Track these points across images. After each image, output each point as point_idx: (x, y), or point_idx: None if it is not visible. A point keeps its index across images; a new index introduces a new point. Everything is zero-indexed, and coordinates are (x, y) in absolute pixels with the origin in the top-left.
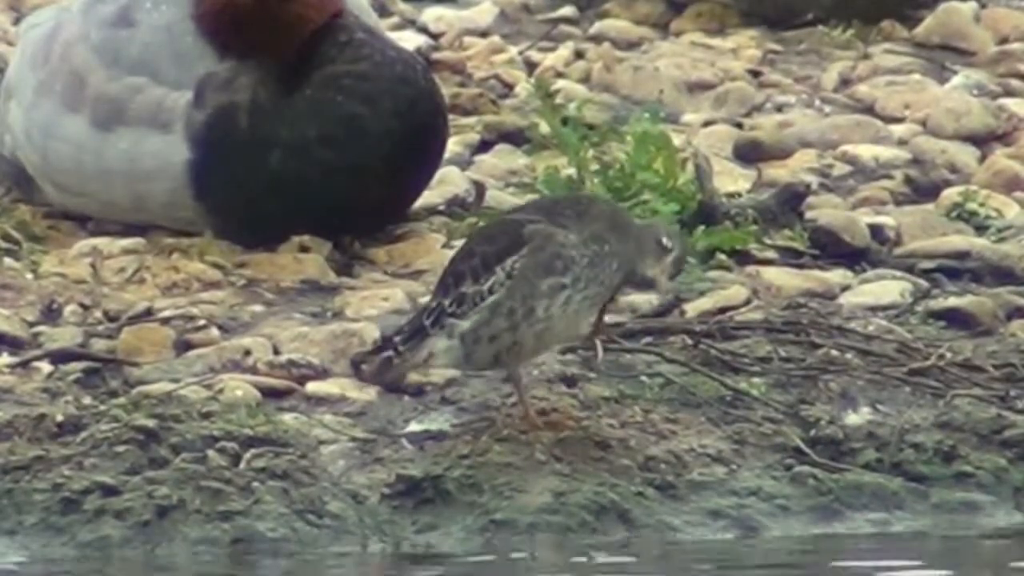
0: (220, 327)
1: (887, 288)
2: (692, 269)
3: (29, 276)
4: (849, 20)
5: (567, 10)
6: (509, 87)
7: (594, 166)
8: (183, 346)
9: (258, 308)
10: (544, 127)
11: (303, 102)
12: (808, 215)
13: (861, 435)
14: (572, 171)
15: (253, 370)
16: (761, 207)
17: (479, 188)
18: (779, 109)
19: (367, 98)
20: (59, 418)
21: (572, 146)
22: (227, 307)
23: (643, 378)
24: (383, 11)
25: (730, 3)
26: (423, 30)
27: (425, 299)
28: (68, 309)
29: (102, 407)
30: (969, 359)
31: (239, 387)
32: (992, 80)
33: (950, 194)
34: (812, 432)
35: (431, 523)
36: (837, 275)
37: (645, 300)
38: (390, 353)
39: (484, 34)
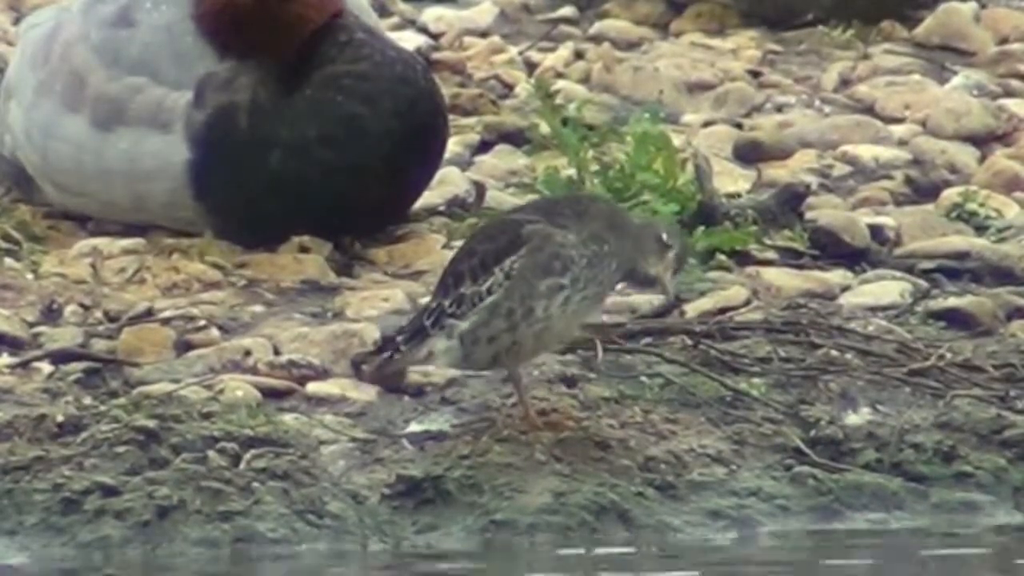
0: (220, 327)
1: (887, 288)
2: (692, 269)
3: (29, 276)
4: (849, 20)
5: (567, 10)
6: (509, 87)
7: (594, 166)
8: (183, 346)
9: (258, 308)
10: (544, 127)
11: (303, 102)
12: (808, 215)
13: (861, 435)
14: (572, 171)
15: (253, 370)
16: (761, 207)
17: (479, 188)
18: (779, 109)
19: (367, 98)
20: (59, 418)
21: (572, 146)
22: (227, 307)
23: (643, 378)
24: (383, 11)
25: (730, 3)
26: (423, 30)
27: (425, 299)
28: (68, 309)
29: (102, 407)
30: (969, 359)
31: (239, 387)
32: (992, 80)
33: (950, 194)
34: (812, 432)
35: (431, 523)
36: (837, 275)
37: (645, 300)
38: (391, 353)
39: (484, 34)
